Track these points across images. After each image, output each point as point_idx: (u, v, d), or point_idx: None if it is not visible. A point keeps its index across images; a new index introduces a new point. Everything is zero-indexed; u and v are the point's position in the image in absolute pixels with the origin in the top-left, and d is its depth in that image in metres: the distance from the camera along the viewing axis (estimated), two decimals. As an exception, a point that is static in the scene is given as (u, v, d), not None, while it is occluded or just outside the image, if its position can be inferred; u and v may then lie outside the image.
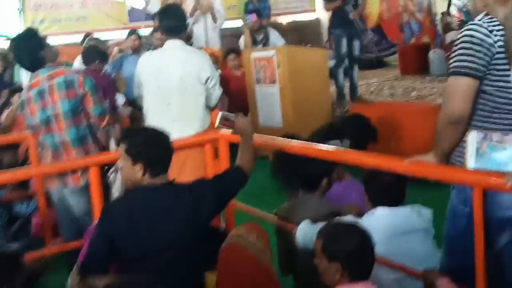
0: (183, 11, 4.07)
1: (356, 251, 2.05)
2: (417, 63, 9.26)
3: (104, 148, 3.53)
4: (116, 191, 4.47)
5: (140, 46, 7.21)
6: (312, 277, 2.90)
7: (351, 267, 2.04)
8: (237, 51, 7.19)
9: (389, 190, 2.61)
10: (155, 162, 2.37)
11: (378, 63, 11.10)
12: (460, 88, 2.10)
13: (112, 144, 4.87)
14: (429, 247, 2.59)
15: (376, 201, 2.64)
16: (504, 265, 2.30)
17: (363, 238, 2.08)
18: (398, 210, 2.58)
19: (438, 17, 9.63)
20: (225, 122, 2.71)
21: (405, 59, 9.50)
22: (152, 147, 2.36)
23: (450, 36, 8.69)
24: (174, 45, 3.70)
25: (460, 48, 2.15)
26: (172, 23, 3.70)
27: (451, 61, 2.19)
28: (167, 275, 2.30)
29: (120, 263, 2.38)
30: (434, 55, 8.98)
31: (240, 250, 2.33)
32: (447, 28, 8.88)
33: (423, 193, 3.99)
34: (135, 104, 6.20)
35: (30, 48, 3.30)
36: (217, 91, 3.78)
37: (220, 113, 2.74)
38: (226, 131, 3.17)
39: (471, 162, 1.31)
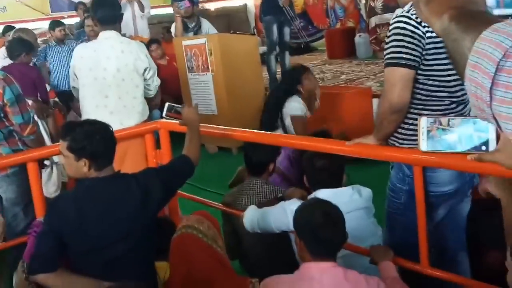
0: (117, 0, 3.98)
1: (314, 228, 2.07)
2: (343, 47, 9.48)
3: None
4: (53, 186, 4.38)
5: (64, 37, 7.05)
6: (258, 260, 2.98)
7: (311, 244, 2.07)
8: (158, 41, 7.15)
9: (325, 173, 2.69)
10: (100, 156, 2.33)
11: (306, 49, 11.28)
12: (398, 79, 2.20)
13: (46, 138, 4.75)
14: (370, 225, 2.70)
15: (315, 184, 2.72)
16: (443, 236, 2.47)
17: (326, 217, 2.09)
18: (339, 191, 2.66)
19: (362, 2, 9.86)
20: (171, 113, 2.72)
21: (332, 43, 9.71)
22: (95, 141, 2.30)
23: (374, 20, 8.93)
24: (109, 36, 3.63)
25: (392, 40, 2.23)
26: (107, 13, 3.62)
27: (385, 52, 2.27)
28: (118, 266, 2.29)
29: (70, 257, 2.34)
30: (359, 39, 9.22)
31: (192, 239, 2.34)
32: (371, 12, 9.11)
33: (361, 172, 4.16)
34: (61, 95, 6.09)
35: None
36: (155, 82, 3.75)
37: (166, 104, 2.74)
38: (166, 121, 3.17)
39: (422, 145, 1.40)
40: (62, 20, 7.76)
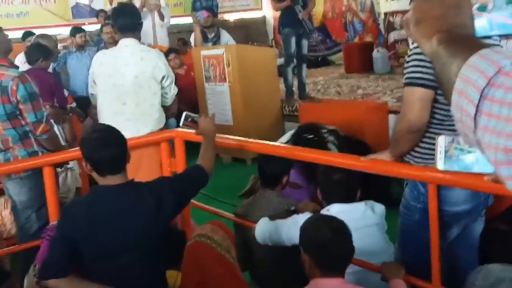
0: (137, 9, 4.03)
1: (323, 244, 2.07)
2: (361, 61, 9.45)
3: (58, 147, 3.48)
4: (67, 191, 4.42)
5: (85, 43, 7.15)
6: (269, 272, 2.97)
7: (320, 260, 2.07)
8: (176, 50, 7.19)
9: (340, 187, 2.68)
10: (100, 163, 2.32)
11: (323, 62, 11.28)
12: (417, 99, 2.19)
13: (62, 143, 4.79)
14: (382, 241, 2.68)
15: (330, 198, 2.71)
16: (455, 255, 2.45)
17: (334, 232, 2.10)
18: (353, 206, 2.65)
19: (381, 17, 9.86)
20: (188, 122, 2.73)
21: (350, 57, 9.68)
22: (96, 148, 2.31)
23: (393, 35, 8.92)
24: (128, 43, 3.67)
25: (413, 60, 2.23)
26: (127, 22, 3.67)
27: (405, 71, 2.26)
28: (129, 275, 2.30)
29: (81, 263, 2.35)
30: (377, 54, 9.19)
31: (206, 248, 2.34)
32: (390, 27, 9.10)
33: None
34: (79, 101, 6.15)
35: None
36: (173, 90, 3.78)
37: (184, 113, 2.76)
38: (182, 130, 3.18)
39: (440, 164, 1.38)
40: (83, 27, 7.87)
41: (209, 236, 2.36)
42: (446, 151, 1.38)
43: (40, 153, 3.33)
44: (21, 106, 3.17)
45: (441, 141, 1.39)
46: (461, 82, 1.00)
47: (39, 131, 3.24)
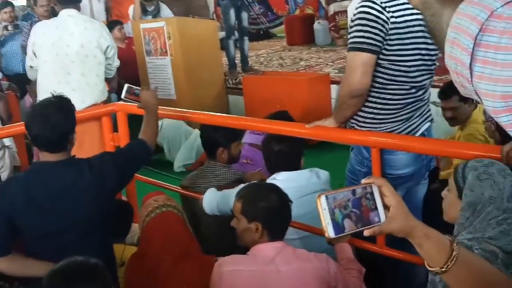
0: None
1: (274, 210, 2.14)
2: (303, 34, 9.48)
3: None
4: (5, 169, 4.27)
5: (12, 19, 6.81)
6: (218, 242, 2.98)
7: (270, 226, 2.12)
8: (121, 23, 7.00)
9: (284, 157, 2.71)
10: (38, 140, 2.25)
11: (265, 35, 11.26)
12: (359, 63, 2.22)
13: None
14: (328, 207, 2.72)
15: (274, 167, 2.73)
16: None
17: (281, 198, 2.18)
18: (298, 173, 2.68)
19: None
20: (130, 95, 2.68)
21: (291, 30, 9.69)
22: (37, 124, 2.22)
23: (332, 7, 8.95)
24: (71, 13, 3.62)
25: (356, 25, 2.26)
26: None
27: (349, 36, 2.29)
28: (73, 251, 2.24)
29: (24, 241, 2.29)
30: (318, 26, 9.24)
31: (174, 216, 2.31)
32: (330, -1, 9.13)
33: (318, 157, 4.21)
34: (16, 78, 5.92)
35: None
36: (116, 62, 3.74)
37: (125, 85, 2.70)
38: (124, 103, 3.12)
39: (330, 231, 1.06)
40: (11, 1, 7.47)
41: (169, 204, 2.33)
42: (332, 214, 1.09)
43: None
44: None
45: (323, 203, 1.10)
46: (453, 32, 0.98)
47: None
